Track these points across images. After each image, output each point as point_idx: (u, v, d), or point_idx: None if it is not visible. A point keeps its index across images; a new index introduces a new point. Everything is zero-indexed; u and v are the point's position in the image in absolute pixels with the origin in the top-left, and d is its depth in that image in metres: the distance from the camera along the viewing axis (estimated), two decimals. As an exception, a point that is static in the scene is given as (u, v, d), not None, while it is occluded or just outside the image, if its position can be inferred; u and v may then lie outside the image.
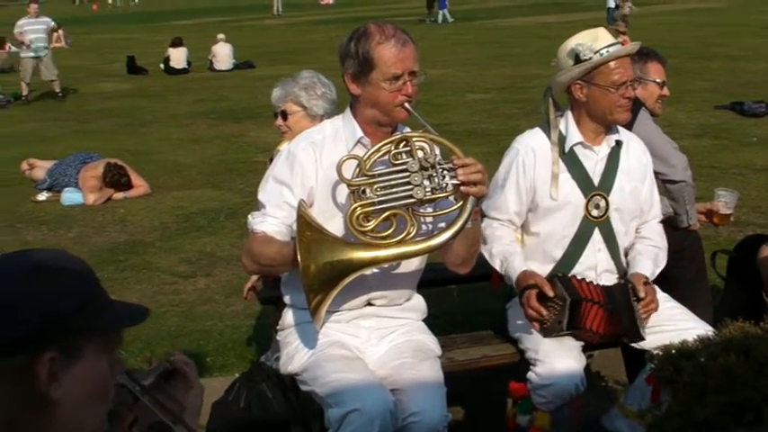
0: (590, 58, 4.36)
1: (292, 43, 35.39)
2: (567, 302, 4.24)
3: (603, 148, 4.54)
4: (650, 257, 4.57)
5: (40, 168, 12.14)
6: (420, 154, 3.66)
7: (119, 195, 11.47)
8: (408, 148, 3.68)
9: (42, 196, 11.61)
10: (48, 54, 21.76)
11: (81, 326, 1.80)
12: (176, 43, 27.25)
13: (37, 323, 1.74)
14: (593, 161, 4.53)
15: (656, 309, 4.39)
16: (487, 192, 3.80)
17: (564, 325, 4.27)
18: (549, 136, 4.54)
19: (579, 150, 4.52)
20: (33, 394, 1.74)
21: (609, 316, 4.35)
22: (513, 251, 4.48)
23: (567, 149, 4.49)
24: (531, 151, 4.53)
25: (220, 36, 27.84)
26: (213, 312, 7.44)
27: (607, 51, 4.37)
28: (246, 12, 59.76)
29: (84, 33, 22.52)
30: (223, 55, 27.45)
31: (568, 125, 4.53)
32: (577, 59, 4.40)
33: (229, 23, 46.87)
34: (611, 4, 39.02)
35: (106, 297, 1.92)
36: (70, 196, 11.39)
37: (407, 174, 3.63)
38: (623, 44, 4.58)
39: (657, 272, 4.57)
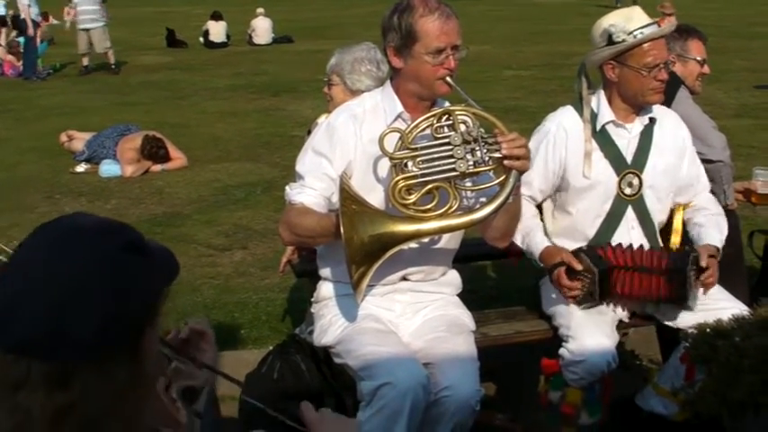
0: (623, 40, 4.31)
1: (332, 18, 35.35)
2: (596, 274, 4.25)
3: (636, 126, 4.52)
4: (715, 227, 4.54)
5: (79, 140, 12.22)
6: (462, 128, 3.63)
7: (156, 168, 11.51)
8: (451, 122, 3.66)
9: (81, 168, 11.67)
10: (99, 26, 21.88)
11: (164, 290, 1.80)
12: (216, 17, 27.30)
13: (148, 307, 1.73)
14: (626, 139, 4.51)
15: (713, 283, 4.36)
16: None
17: (597, 295, 4.28)
18: (581, 114, 4.52)
19: (611, 128, 4.50)
20: (143, 372, 1.74)
21: (650, 279, 4.33)
22: (534, 226, 4.48)
23: (598, 128, 4.47)
24: (563, 129, 4.52)
25: (260, 10, 27.86)
26: (248, 285, 7.47)
27: (641, 33, 4.31)
28: (286, -14, 59.71)
29: (124, 6, 22.59)
30: (262, 29, 27.48)
31: (600, 103, 4.50)
32: (610, 40, 4.35)
33: (269, -3, 46.90)
34: None
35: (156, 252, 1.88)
36: (108, 168, 11.45)
37: (450, 147, 3.61)
38: (660, 24, 4.52)
39: (723, 238, 4.53)
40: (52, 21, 29.44)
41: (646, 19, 4.39)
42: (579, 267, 4.29)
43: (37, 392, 1.63)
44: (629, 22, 4.33)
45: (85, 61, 22.11)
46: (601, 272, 4.25)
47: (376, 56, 5.29)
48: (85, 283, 1.65)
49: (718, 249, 4.43)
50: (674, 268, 4.32)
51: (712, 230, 4.52)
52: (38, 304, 1.62)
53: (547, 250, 4.38)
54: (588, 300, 4.32)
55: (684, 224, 4.64)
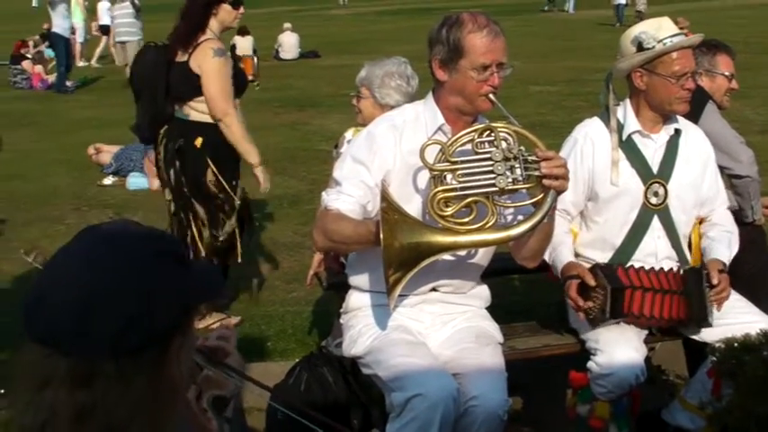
0: (653, 47, 4.35)
1: (358, 33, 35.42)
2: (608, 291, 4.25)
3: (662, 136, 4.54)
4: (725, 243, 4.55)
5: (107, 153, 12.30)
6: (504, 144, 3.64)
7: (183, 181, 11.49)
8: (492, 138, 3.66)
9: (108, 180, 11.75)
10: (135, 40, 22.04)
11: (198, 303, 1.84)
12: (243, 32, 27.31)
13: (176, 312, 1.74)
14: (652, 149, 4.53)
15: (727, 297, 4.39)
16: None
17: (607, 313, 4.28)
18: (607, 124, 4.54)
19: (637, 138, 4.52)
20: (167, 382, 1.75)
21: (670, 298, 4.33)
22: (562, 242, 4.47)
23: (624, 137, 4.50)
24: (590, 140, 4.55)
25: (287, 25, 27.96)
26: (275, 298, 7.50)
27: (670, 41, 4.36)
28: (313, 2, 59.82)
29: (153, 21, 22.70)
30: (289, 44, 27.56)
31: (627, 114, 4.53)
32: (640, 47, 4.40)
33: (296, 13, 47.01)
34: (621, 1, 37.61)
35: (195, 266, 1.91)
36: (135, 181, 11.52)
37: (491, 163, 3.61)
38: (687, 35, 4.55)
39: (732, 256, 4.55)
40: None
41: (674, 29, 4.45)
42: (592, 283, 4.29)
43: (61, 390, 1.66)
44: (659, 31, 4.38)
45: (128, 72, 22.25)
46: (613, 289, 4.25)
47: (406, 71, 5.32)
48: (113, 284, 1.68)
49: (725, 265, 4.45)
50: (691, 288, 4.35)
51: (721, 246, 4.54)
52: (65, 299, 1.66)
53: (568, 264, 4.40)
54: (600, 317, 4.32)
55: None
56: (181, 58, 6.29)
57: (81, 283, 1.68)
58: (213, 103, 6.19)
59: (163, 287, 1.72)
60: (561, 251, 4.44)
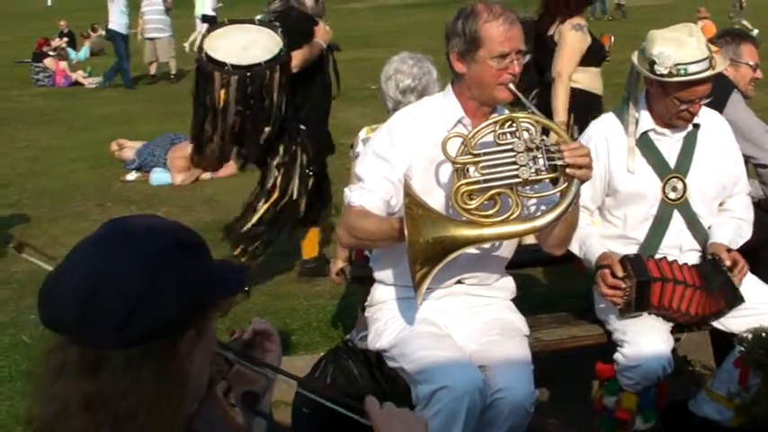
0: (667, 73, 4.24)
1: (378, 26, 35.37)
2: (634, 283, 4.24)
3: (679, 131, 4.49)
4: (730, 228, 4.52)
5: (130, 149, 12.36)
6: (525, 135, 3.63)
7: (206, 175, 11.57)
8: (514, 129, 3.65)
9: (131, 176, 11.81)
10: (165, 36, 22.35)
11: (213, 299, 1.82)
12: (264, 26, 27.35)
13: (186, 305, 1.73)
14: (668, 144, 4.49)
15: (746, 272, 4.36)
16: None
17: (633, 305, 4.27)
18: (620, 119, 4.51)
19: (653, 135, 4.48)
20: (175, 376, 1.75)
21: (700, 295, 4.31)
22: (590, 234, 4.47)
23: (638, 135, 4.45)
24: (604, 137, 4.52)
25: (306, 19, 27.88)
26: (299, 292, 7.52)
27: (684, 69, 4.21)
28: (332, -5, 59.78)
29: (174, 17, 22.89)
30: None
31: (641, 110, 4.48)
32: (651, 69, 4.29)
33: (316, 6, 46.85)
34: None
35: (215, 262, 1.90)
36: (158, 176, 11.57)
37: (513, 154, 3.61)
38: (714, 55, 4.35)
39: (741, 242, 4.53)
40: (100, 32, 29.70)
41: (698, 53, 4.24)
42: (620, 273, 4.28)
43: (71, 378, 1.69)
44: (679, 51, 4.21)
45: (152, 69, 22.46)
46: (639, 282, 4.24)
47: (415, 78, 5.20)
48: (120, 270, 1.70)
49: (727, 246, 4.42)
50: (715, 278, 4.33)
51: (722, 230, 4.51)
52: (73, 286, 1.69)
53: (601, 255, 4.38)
54: (627, 309, 4.30)
55: None
56: None
57: (90, 269, 1.71)
58: None
59: (173, 276, 1.73)
60: (592, 244, 4.43)
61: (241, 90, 6.30)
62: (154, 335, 1.70)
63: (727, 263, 4.30)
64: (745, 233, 4.57)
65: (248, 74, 6.26)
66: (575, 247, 4.42)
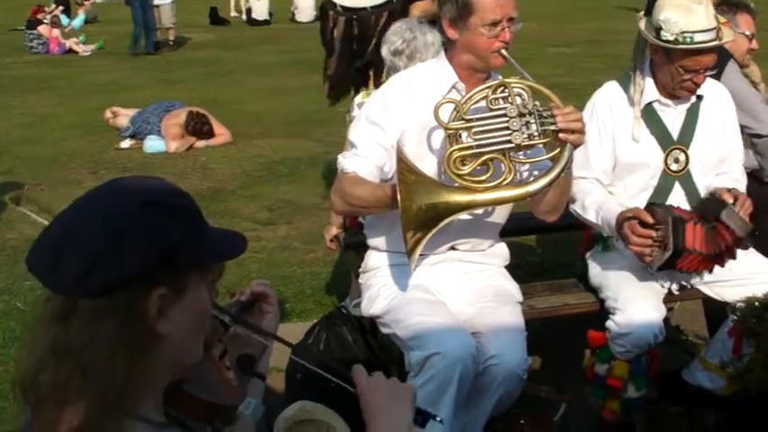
0: (673, 40, 4.20)
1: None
2: (669, 222, 4.11)
3: (683, 103, 4.46)
4: (728, 181, 4.47)
5: (124, 116, 12.32)
6: (518, 100, 3.63)
7: (200, 143, 11.57)
8: (506, 94, 3.65)
9: (125, 144, 11.74)
10: (167, 3, 22.27)
11: (189, 260, 1.81)
12: (257, -5, 27.31)
13: (150, 260, 1.73)
14: (672, 115, 4.46)
15: (750, 205, 4.24)
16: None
17: (670, 246, 4.10)
18: (624, 88, 4.48)
19: (657, 105, 4.45)
20: (142, 331, 1.75)
21: (706, 230, 4.20)
22: (608, 198, 4.42)
23: (642, 105, 4.43)
24: (608, 106, 4.49)
25: (302, -13, 27.83)
26: (293, 259, 7.53)
27: (691, 38, 4.16)
28: (327, -37, 59.50)
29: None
30: (305, 6, 27.40)
31: (645, 80, 4.45)
32: (657, 34, 4.25)
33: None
34: None
35: (209, 227, 1.91)
36: (152, 144, 11.51)
37: (506, 119, 3.60)
38: (722, 26, 4.31)
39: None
40: (95, -1, 29.55)
41: (705, 23, 4.19)
42: (650, 220, 4.15)
43: (49, 325, 1.74)
44: (686, 19, 4.16)
45: (157, 36, 22.38)
46: (675, 218, 4.13)
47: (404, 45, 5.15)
48: (86, 223, 1.75)
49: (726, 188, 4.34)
50: (720, 211, 4.19)
51: (722, 180, 4.47)
52: (50, 236, 1.77)
53: (624, 210, 4.25)
54: (660, 257, 4.16)
55: None
56: None
57: (65, 223, 1.78)
58: None
59: (136, 232, 1.74)
60: (609, 207, 4.31)
61: (346, 31, 6.37)
62: (118, 287, 1.71)
63: (729, 199, 4.21)
64: (740, 188, 4.52)
65: (354, 17, 6.31)
66: (591, 215, 4.36)
